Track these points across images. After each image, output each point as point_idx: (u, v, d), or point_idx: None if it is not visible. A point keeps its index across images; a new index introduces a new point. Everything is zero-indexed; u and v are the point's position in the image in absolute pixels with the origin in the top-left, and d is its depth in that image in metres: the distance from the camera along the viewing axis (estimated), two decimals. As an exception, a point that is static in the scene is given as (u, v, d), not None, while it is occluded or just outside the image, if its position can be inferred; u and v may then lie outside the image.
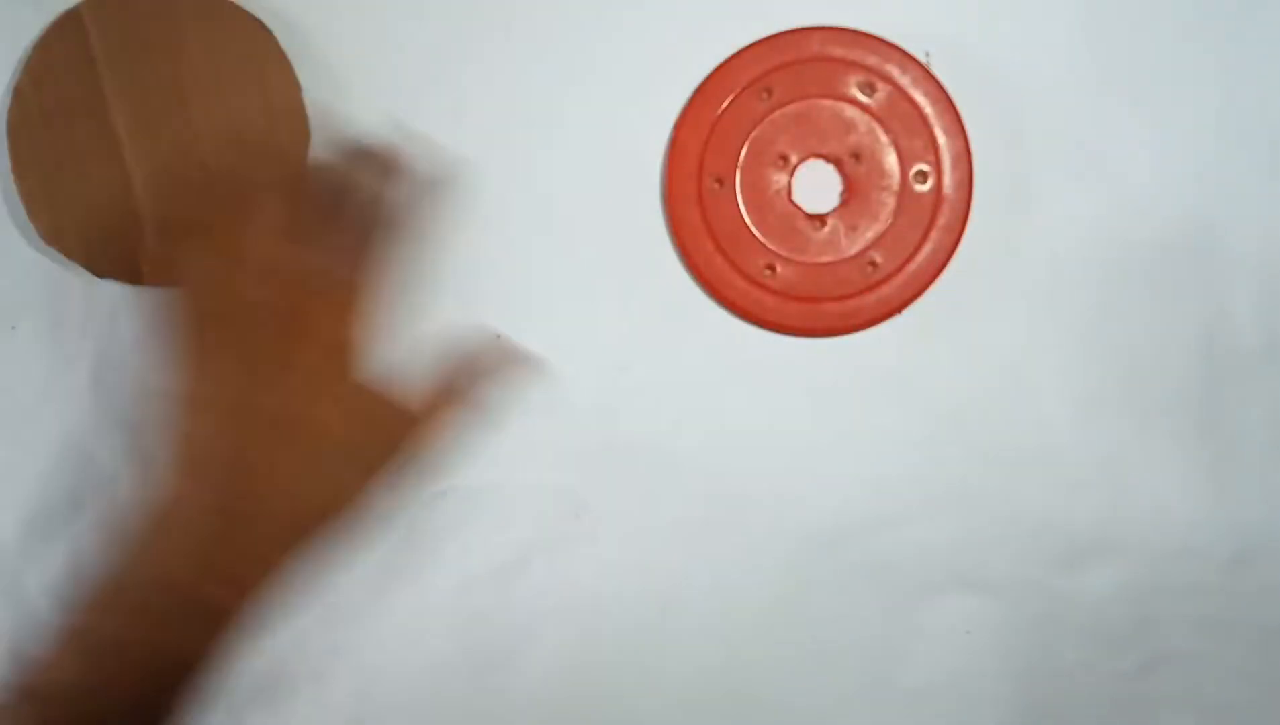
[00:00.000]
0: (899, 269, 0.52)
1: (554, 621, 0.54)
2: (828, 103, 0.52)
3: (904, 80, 0.52)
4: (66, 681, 0.44)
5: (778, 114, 0.52)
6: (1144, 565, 0.53)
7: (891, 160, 0.52)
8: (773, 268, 0.53)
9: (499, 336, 0.52)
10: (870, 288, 0.52)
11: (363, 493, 0.46)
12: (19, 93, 0.52)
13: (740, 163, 0.53)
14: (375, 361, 0.46)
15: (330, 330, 0.45)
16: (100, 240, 0.53)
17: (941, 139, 0.52)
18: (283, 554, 0.45)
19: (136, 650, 0.44)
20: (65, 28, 0.52)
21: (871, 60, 0.52)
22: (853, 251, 0.52)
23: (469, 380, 0.49)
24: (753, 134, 0.53)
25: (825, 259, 0.53)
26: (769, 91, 0.52)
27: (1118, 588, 0.54)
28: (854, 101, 0.52)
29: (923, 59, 0.52)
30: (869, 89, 0.52)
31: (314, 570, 0.55)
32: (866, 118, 0.52)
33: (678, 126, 0.53)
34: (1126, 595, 0.54)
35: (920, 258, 0.52)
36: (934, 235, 0.52)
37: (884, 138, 0.52)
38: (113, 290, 0.54)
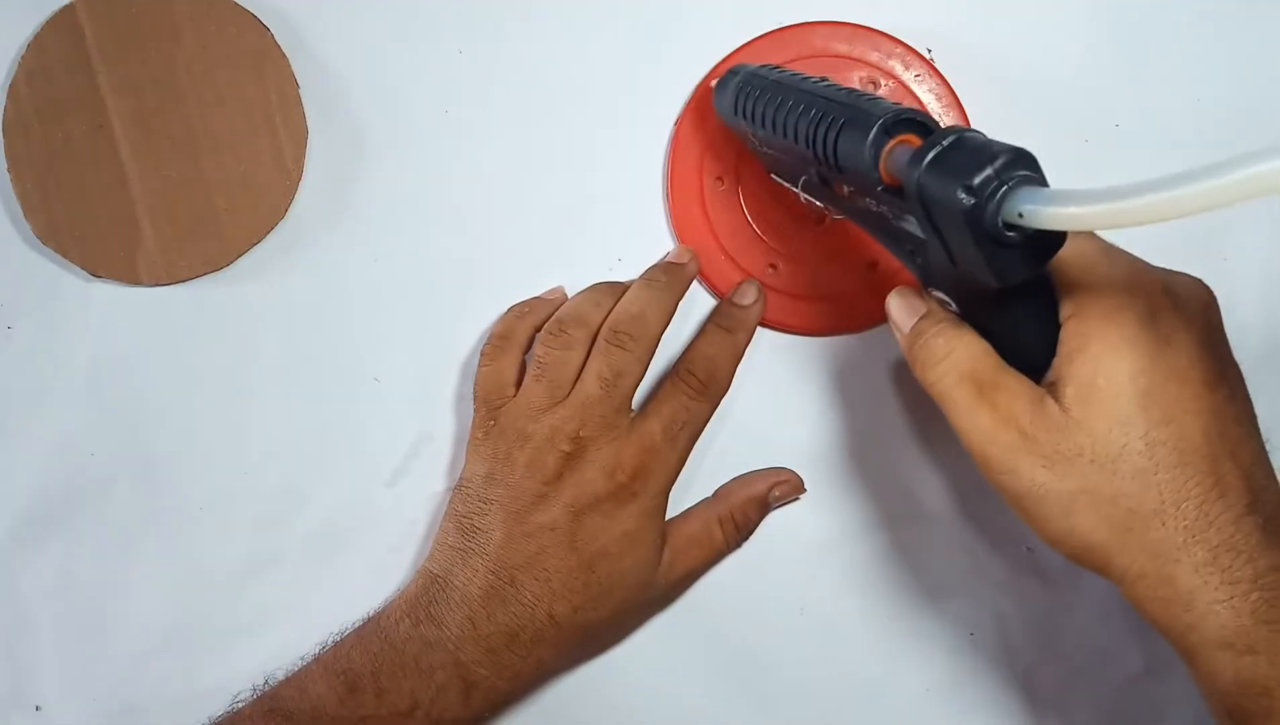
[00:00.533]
0: (901, 268, 0.52)
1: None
2: (830, 99, 0.52)
3: (907, 76, 0.52)
4: (316, 708, 0.47)
5: (780, 111, 0.52)
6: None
7: (895, 157, 0.52)
8: (775, 266, 0.52)
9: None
10: (872, 287, 0.52)
11: (619, 608, 0.49)
12: (14, 90, 0.52)
13: (742, 161, 0.52)
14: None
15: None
16: (96, 239, 0.52)
17: (945, 136, 0.52)
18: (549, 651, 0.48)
19: (397, 699, 0.46)
20: (60, 25, 0.52)
21: (874, 56, 0.52)
22: (854, 250, 0.52)
23: (743, 515, 0.52)
24: (754, 131, 0.52)
25: (827, 257, 0.52)
26: (771, 88, 0.52)
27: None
28: (857, 98, 0.52)
29: (925, 56, 0.52)
30: (872, 85, 0.52)
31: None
32: (869, 114, 0.52)
33: (679, 125, 0.53)
34: (1130, 596, 0.53)
35: (924, 256, 0.52)
36: (938, 233, 0.52)
37: (887, 135, 0.52)
38: (109, 290, 0.53)
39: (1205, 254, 0.53)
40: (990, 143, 0.36)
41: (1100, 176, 0.52)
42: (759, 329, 0.53)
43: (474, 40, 0.53)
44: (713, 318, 0.52)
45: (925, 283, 0.42)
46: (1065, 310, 0.39)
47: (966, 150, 0.35)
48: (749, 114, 0.45)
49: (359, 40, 0.53)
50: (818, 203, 0.45)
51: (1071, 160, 0.52)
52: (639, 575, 0.49)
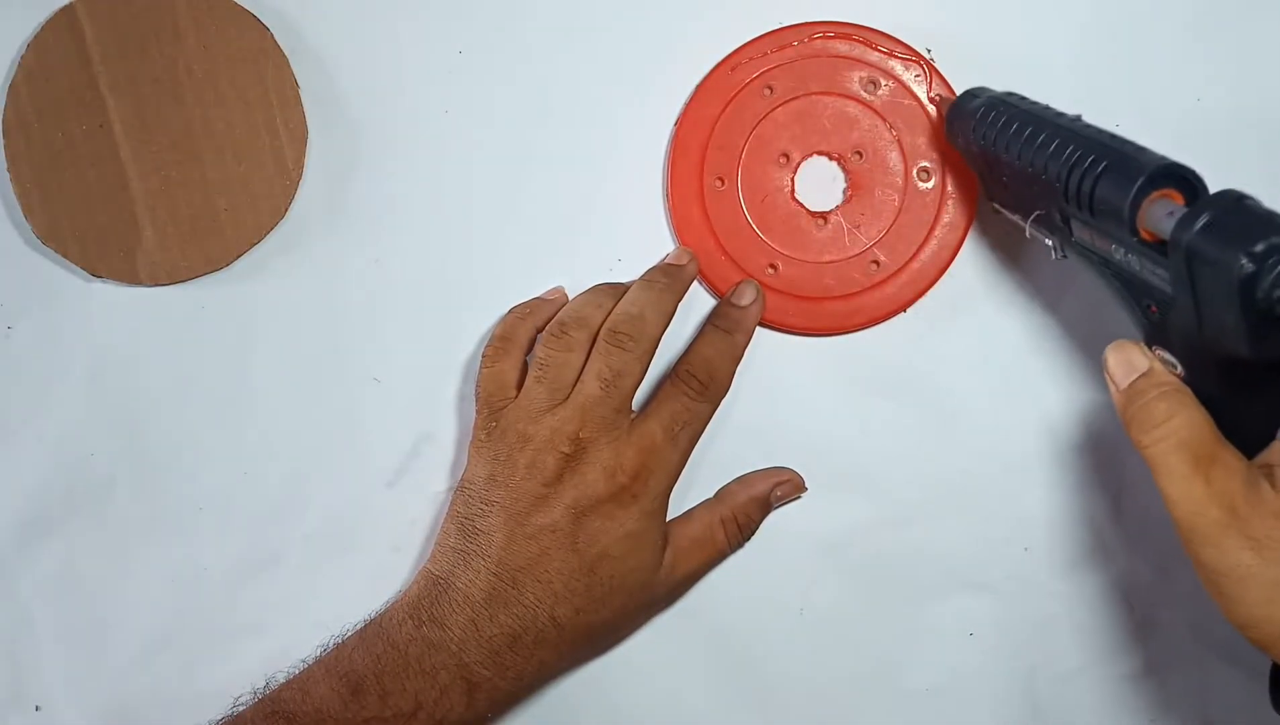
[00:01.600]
0: (902, 267, 0.52)
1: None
2: (830, 99, 0.52)
3: (907, 76, 0.52)
4: (319, 710, 0.47)
5: (779, 111, 0.52)
6: (1146, 567, 0.53)
7: (895, 157, 0.52)
8: (775, 266, 0.52)
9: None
10: (873, 286, 0.52)
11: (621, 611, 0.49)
12: (14, 90, 0.52)
13: (742, 161, 0.52)
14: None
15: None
16: (96, 239, 0.52)
17: (946, 136, 0.52)
18: (549, 652, 0.48)
19: (401, 701, 0.46)
20: (60, 25, 0.52)
21: (874, 56, 0.52)
22: (855, 250, 0.52)
23: (745, 514, 0.53)
24: (754, 132, 0.52)
25: (828, 257, 0.52)
26: (770, 89, 0.52)
27: (1120, 589, 0.53)
28: (856, 98, 0.52)
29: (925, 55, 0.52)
30: (872, 85, 0.52)
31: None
32: (869, 114, 0.52)
33: (679, 125, 0.53)
34: (1129, 597, 0.53)
35: (924, 256, 0.52)
36: (938, 233, 0.52)
37: (887, 134, 0.52)
38: (109, 290, 0.53)
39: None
40: (1272, 213, 0.35)
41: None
42: (759, 329, 0.53)
43: (474, 40, 0.53)
44: (711, 319, 0.52)
45: (1151, 339, 0.41)
46: None
47: (1248, 216, 0.35)
48: (992, 140, 0.45)
49: (359, 40, 0.53)
50: (1045, 240, 0.45)
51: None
52: (641, 576, 0.49)
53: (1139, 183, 0.38)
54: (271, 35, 0.52)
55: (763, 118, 0.52)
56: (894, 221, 0.52)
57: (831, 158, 0.52)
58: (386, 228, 0.54)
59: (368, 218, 0.54)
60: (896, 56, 0.52)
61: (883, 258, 0.52)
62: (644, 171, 0.53)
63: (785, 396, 0.54)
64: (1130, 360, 0.41)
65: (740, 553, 0.53)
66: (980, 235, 0.52)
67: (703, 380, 0.50)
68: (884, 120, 0.52)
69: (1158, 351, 0.41)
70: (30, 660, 0.54)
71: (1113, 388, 0.42)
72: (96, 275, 0.53)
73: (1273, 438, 0.38)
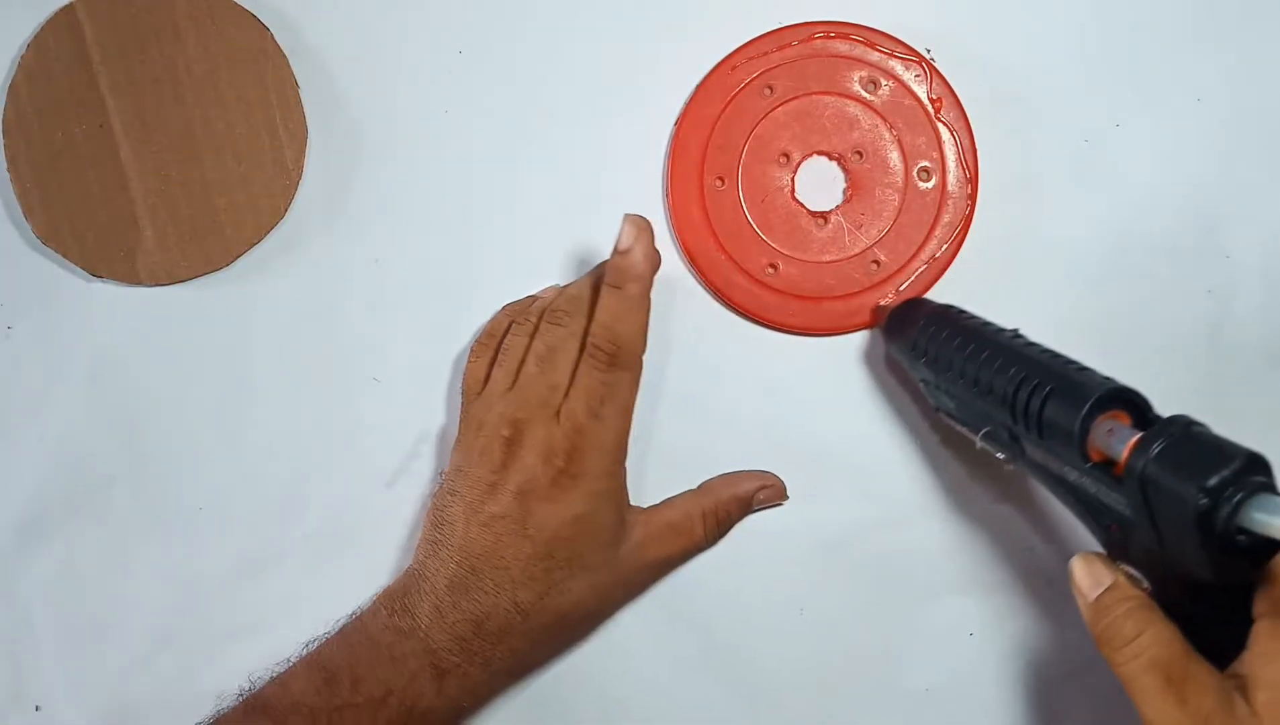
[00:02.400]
0: (902, 267, 0.52)
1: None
2: (830, 99, 0.52)
3: (907, 76, 0.52)
4: (296, 701, 0.47)
5: (780, 111, 0.52)
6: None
7: (895, 157, 0.52)
8: (775, 266, 0.52)
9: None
10: (873, 286, 0.52)
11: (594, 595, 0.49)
12: (14, 90, 0.52)
13: (742, 161, 0.52)
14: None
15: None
16: (96, 239, 0.52)
17: (946, 135, 0.52)
18: (523, 641, 0.48)
19: (372, 687, 0.46)
20: (60, 25, 0.52)
21: (874, 56, 0.52)
22: (856, 249, 0.52)
23: (726, 510, 0.52)
24: (754, 131, 0.52)
25: (828, 257, 0.52)
26: (770, 88, 0.52)
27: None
28: (857, 98, 0.52)
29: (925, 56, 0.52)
30: (872, 85, 0.52)
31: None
32: (870, 114, 0.52)
33: (679, 125, 0.53)
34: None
35: (924, 256, 0.52)
36: (938, 233, 0.52)
37: (888, 134, 0.52)
38: (109, 290, 0.53)
39: (1207, 251, 0.53)
40: (1222, 442, 0.35)
41: (1100, 176, 0.53)
42: (759, 329, 0.53)
43: (474, 40, 0.53)
44: (604, 278, 0.50)
45: (1114, 554, 0.41)
46: (1259, 607, 0.38)
47: (1199, 446, 0.35)
48: (933, 356, 0.45)
49: (359, 40, 0.53)
50: (997, 453, 0.44)
51: (1071, 160, 0.53)
52: (600, 556, 0.49)
53: (1086, 407, 0.38)
54: (271, 35, 0.52)
55: (763, 117, 0.52)
56: (894, 221, 0.52)
57: (831, 157, 0.52)
58: (386, 228, 0.54)
59: (368, 218, 0.54)
60: (896, 56, 0.52)
61: (883, 258, 0.52)
62: (644, 171, 0.53)
63: (785, 396, 0.54)
64: (1094, 573, 0.41)
65: (741, 552, 0.53)
66: (979, 235, 0.52)
67: (607, 349, 0.48)
68: (884, 120, 0.52)
69: (1122, 566, 0.40)
70: (30, 660, 0.54)
71: (1080, 601, 0.41)
72: (96, 275, 0.53)
73: (1242, 645, 0.38)
